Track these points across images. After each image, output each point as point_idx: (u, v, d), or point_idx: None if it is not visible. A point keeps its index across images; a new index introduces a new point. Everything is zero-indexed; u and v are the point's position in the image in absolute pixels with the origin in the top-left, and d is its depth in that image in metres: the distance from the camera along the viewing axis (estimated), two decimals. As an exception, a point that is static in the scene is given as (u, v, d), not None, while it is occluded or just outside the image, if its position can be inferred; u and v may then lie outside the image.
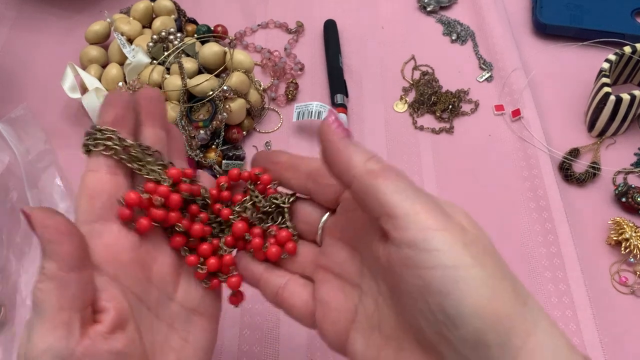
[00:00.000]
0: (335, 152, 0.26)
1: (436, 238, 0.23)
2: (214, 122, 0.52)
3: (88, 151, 0.28)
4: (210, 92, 0.52)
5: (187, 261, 0.30)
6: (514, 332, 0.23)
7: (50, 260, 0.24)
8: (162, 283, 0.29)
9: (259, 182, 0.31)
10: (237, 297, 0.32)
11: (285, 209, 0.31)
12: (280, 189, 0.32)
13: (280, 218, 0.31)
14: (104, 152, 0.28)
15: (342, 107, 0.57)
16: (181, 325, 0.29)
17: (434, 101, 0.59)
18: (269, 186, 0.31)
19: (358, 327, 0.28)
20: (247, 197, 0.31)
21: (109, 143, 0.28)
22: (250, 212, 0.30)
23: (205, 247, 0.30)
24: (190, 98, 0.53)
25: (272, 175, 0.31)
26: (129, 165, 0.28)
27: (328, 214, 0.31)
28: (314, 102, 0.55)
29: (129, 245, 0.28)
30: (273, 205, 0.31)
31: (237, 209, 0.31)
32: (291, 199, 0.31)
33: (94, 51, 0.58)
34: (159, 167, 0.29)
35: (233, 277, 0.31)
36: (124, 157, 0.28)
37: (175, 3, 0.61)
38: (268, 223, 0.31)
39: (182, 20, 0.62)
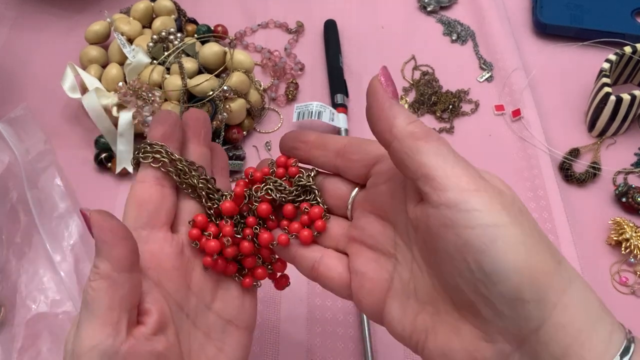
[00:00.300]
0: (380, 109, 0.27)
1: (475, 199, 0.24)
2: (214, 122, 0.52)
3: (137, 164, 0.30)
4: (211, 92, 0.52)
5: (244, 284, 0.31)
6: (550, 288, 0.23)
7: (105, 260, 0.26)
8: (201, 292, 0.30)
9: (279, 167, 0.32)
10: (283, 281, 0.33)
11: (313, 186, 0.31)
12: (304, 166, 0.32)
13: (308, 195, 0.32)
14: (153, 165, 0.29)
15: (342, 107, 0.57)
16: (217, 334, 0.30)
17: (434, 101, 0.59)
18: (292, 164, 0.32)
19: (394, 295, 0.28)
20: (265, 183, 0.32)
21: (158, 156, 0.29)
22: (274, 193, 0.31)
23: (250, 260, 0.31)
24: (190, 98, 0.53)
25: (302, 155, 0.32)
26: (176, 178, 0.30)
27: (357, 188, 0.31)
28: (314, 102, 0.55)
29: (172, 253, 0.29)
30: (299, 188, 0.31)
31: (259, 193, 0.31)
32: (313, 174, 0.32)
33: (94, 51, 0.58)
34: (202, 181, 0.30)
35: (277, 262, 0.32)
36: (171, 169, 0.30)
37: (175, 3, 0.61)
38: (299, 199, 0.32)
39: (182, 20, 0.62)
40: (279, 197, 0.31)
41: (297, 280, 0.47)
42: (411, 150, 0.25)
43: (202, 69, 0.55)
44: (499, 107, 0.58)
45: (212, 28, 0.62)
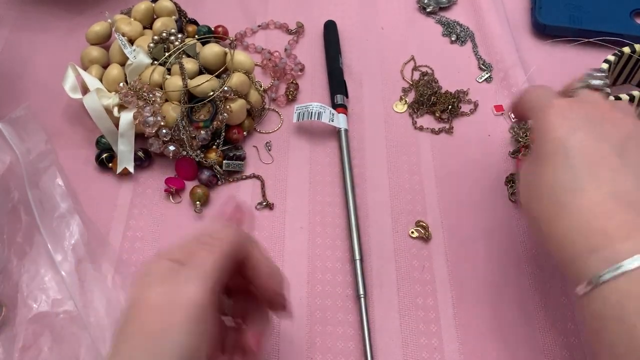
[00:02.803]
0: None
1: None
2: (215, 123, 0.52)
3: None
4: (211, 93, 0.52)
5: None
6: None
7: (230, 235, 0.34)
8: None
9: None
10: None
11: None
12: None
13: None
14: None
15: (342, 108, 0.57)
16: None
17: (433, 102, 0.59)
18: None
19: None
20: None
21: None
22: None
23: None
24: (191, 98, 0.53)
25: None
26: None
27: None
28: (314, 102, 0.56)
29: None
30: None
31: None
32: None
33: (95, 52, 0.58)
34: None
35: None
36: None
37: (176, 4, 0.62)
38: None
39: (183, 21, 0.62)
40: None
41: (297, 280, 0.48)
42: None
43: (203, 70, 0.55)
44: (498, 108, 0.58)
45: (213, 29, 0.62)
